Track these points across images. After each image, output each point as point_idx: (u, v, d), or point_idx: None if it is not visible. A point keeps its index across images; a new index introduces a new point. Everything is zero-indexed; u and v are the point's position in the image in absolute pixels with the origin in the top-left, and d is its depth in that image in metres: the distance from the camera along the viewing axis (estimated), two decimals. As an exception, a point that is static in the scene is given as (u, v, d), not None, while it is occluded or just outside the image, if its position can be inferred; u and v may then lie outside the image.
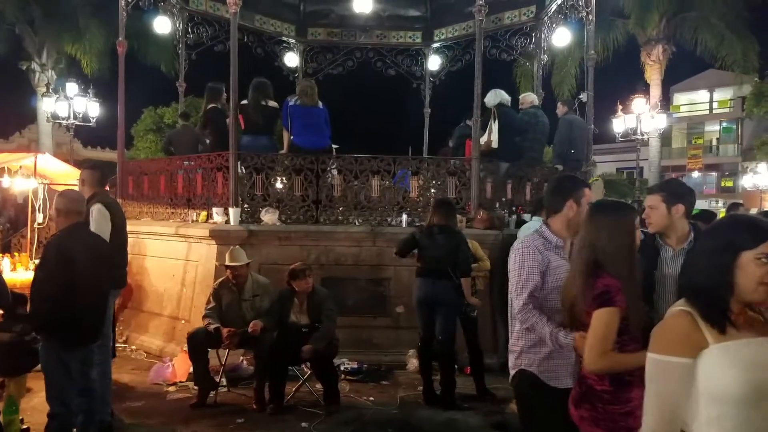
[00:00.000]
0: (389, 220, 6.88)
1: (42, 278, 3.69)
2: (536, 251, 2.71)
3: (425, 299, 5.29)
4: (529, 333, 2.73)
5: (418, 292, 5.35)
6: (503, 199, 7.36)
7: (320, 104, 7.01)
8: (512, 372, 2.86)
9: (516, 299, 2.73)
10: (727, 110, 36.22)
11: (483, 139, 7.14)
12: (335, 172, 7.02)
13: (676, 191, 3.05)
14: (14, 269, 7.29)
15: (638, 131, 16.17)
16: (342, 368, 5.91)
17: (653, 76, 17.54)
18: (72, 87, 14.93)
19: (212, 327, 5.17)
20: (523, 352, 2.78)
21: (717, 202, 31.30)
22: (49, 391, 3.70)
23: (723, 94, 35.67)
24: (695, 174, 33.75)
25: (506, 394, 5.39)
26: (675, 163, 34.76)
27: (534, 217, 5.97)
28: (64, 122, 15.16)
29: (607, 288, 2.27)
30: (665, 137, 26.73)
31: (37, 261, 3.81)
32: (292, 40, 11.05)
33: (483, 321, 5.88)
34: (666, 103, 22.01)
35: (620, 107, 16.39)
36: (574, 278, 2.39)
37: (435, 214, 5.41)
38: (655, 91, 17.53)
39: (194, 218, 6.98)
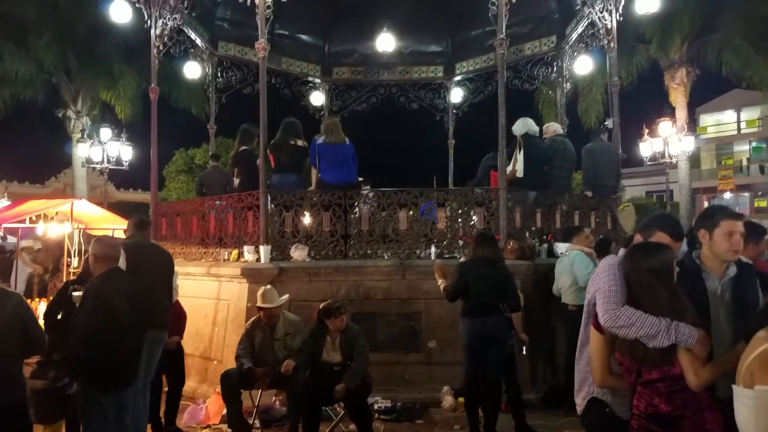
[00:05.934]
0: (418, 252, 6.85)
1: (79, 322, 3.75)
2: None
3: (478, 338, 5.03)
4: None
5: (469, 333, 5.07)
6: (533, 228, 7.29)
7: (347, 140, 7.10)
8: (583, 403, 2.73)
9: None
10: (755, 129, 35.58)
11: (508, 169, 7.13)
12: (363, 206, 7.06)
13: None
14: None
15: (666, 154, 16.00)
16: (375, 407, 5.80)
17: (678, 98, 17.37)
18: (105, 132, 15.42)
19: (245, 367, 5.16)
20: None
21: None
22: (86, 436, 3.73)
23: (751, 114, 35.08)
24: (727, 195, 33.04)
25: None
26: (706, 184, 34.11)
27: (568, 245, 5.91)
28: (98, 166, 15.64)
29: None
30: (694, 159, 26.24)
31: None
32: (318, 80, 11.31)
33: (519, 356, 5.75)
34: (693, 124, 21.70)
35: (647, 131, 16.27)
36: None
37: (480, 247, 5.23)
38: (681, 113, 17.33)
39: (226, 257, 7.05)
